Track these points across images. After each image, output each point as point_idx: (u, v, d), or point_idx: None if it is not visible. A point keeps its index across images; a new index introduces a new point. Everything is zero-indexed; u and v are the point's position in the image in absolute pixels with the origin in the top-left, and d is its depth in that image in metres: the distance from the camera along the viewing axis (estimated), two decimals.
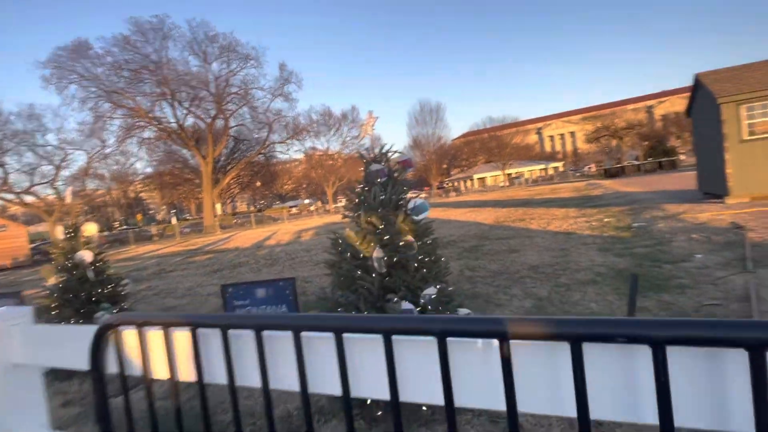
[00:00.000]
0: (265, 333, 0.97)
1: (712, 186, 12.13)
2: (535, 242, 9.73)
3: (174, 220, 46.38)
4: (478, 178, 78.22)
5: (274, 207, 71.45)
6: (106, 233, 37.52)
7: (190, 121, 40.00)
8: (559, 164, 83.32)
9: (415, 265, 3.19)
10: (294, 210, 57.27)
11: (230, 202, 75.55)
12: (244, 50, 38.83)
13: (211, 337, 1.05)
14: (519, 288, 6.05)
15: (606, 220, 11.83)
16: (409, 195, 3.56)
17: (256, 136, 45.94)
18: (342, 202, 59.32)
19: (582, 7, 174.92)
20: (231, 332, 1.01)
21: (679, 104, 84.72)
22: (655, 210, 12.18)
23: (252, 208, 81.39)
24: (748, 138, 10.65)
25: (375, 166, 3.51)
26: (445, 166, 75.78)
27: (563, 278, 6.22)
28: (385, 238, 3.21)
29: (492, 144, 75.76)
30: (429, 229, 3.48)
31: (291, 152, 51.41)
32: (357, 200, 3.56)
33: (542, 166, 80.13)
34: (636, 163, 50.46)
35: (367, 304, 3.18)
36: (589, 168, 74.11)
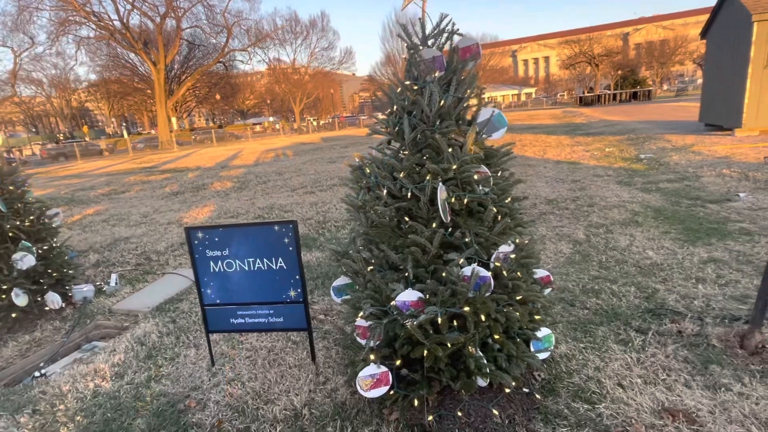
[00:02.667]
0: None
1: (720, 117, 11.39)
2: (539, 172, 8.81)
3: (125, 134, 42.37)
4: None
5: (235, 124, 66.90)
6: (49, 146, 33.68)
7: (135, 19, 34.79)
8: (532, 90, 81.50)
9: (494, 210, 2.09)
10: (257, 128, 53.69)
11: (187, 117, 70.09)
12: None
13: None
14: (545, 227, 5.15)
15: (608, 150, 11.00)
16: (473, 101, 2.35)
17: (214, 41, 41.06)
18: (311, 120, 56.05)
19: None
20: None
21: (655, 33, 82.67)
22: (659, 141, 11.42)
23: (212, 124, 76.19)
24: None
25: (429, 52, 2.23)
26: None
27: (594, 217, 5.35)
28: (452, 168, 2.04)
29: None
30: (507, 155, 2.32)
31: (254, 62, 46.71)
32: (395, 107, 2.31)
33: (515, 92, 78.13)
34: (611, 92, 49.59)
35: (417, 268, 2.10)
36: (561, 95, 72.92)
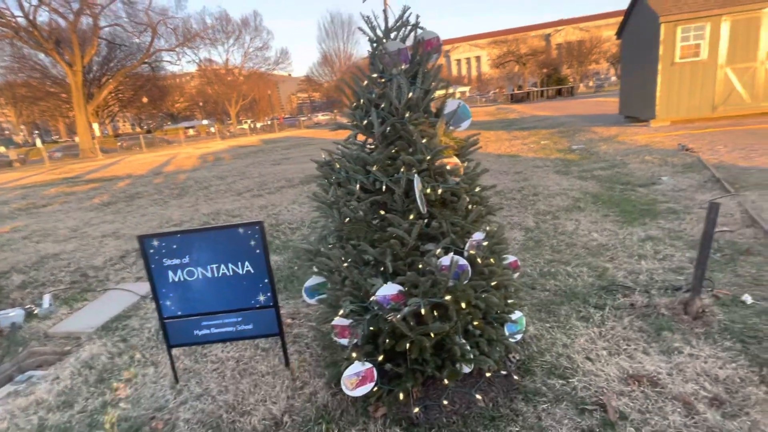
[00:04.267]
0: None
1: (636, 110, 12.49)
2: (482, 166, 9.13)
3: (39, 143, 38.40)
4: None
5: (165, 128, 63.02)
6: None
7: (44, 16, 31.54)
8: (467, 89, 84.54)
9: (467, 199, 2.13)
10: (191, 132, 50.99)
11: (110, 122, 65.04)
12: None
13: None
14: (497, 217, 5.35)
15: (543, 142, 11.67)
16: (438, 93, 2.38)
17: (137, 41, 38.37)
18: (246, 123, 54.08)
19: None
20: None
21: (573, 34, 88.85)
22: (587, 133, 12.30)
23: (138, 130, 71.34)
24: (679, 60, 10.81)
25: (394, 44, 2.22)
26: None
27: (540, 205, 5.65)
28: (426, 159, 2.05)
29: None
30: (474, 145, 2.37)
31: (183, 63, 44.20)
32: (361, 100, 2.29)
33: (451, 90, 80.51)
34: (538, 89, 52.64)
35: (395, 261, 2.09)
36: (495, 93, 76.31)
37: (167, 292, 2.53)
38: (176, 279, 2.52)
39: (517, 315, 2.40)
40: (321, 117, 53.30)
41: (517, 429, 2.00)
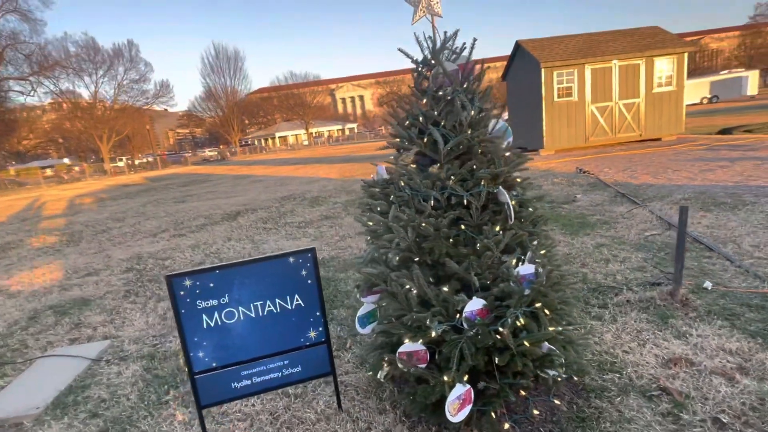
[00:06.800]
0: None
1: (526, 141, 14.29)
2: None
3: None
4: (280, 137, 75.74)
5: (10, 168, 53.16)
6: None
7: None
8: (354, 125, 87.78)
9: (536, 209, 2.24)
10: (48, 172, 43.82)
11: None
12: None
13: None
14: None
15: None
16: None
17: None
18: (122, 160, 48.33)
19: None
20: None
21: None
22: None
23: None
24: (558, 99, 12.76)
25: (451, 65, 2.29)
26: (247, 122, 70.32)
27: None
28: (503, 172, 2.12)
29: (292, 102, 74.00)
30: (527, 160, 2.49)
31: (40, 94, 38.31)
32: (420, 118, 2.29)
33: (340, 126, 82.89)
34: None
35: (478, 275, 2.08)
36: (380, 129, 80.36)
37: (200, 341, 2.13)
38: (212, 324, 2.14)
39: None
40: (209, 153, 50.33)
41: (608, 425, 2.08)
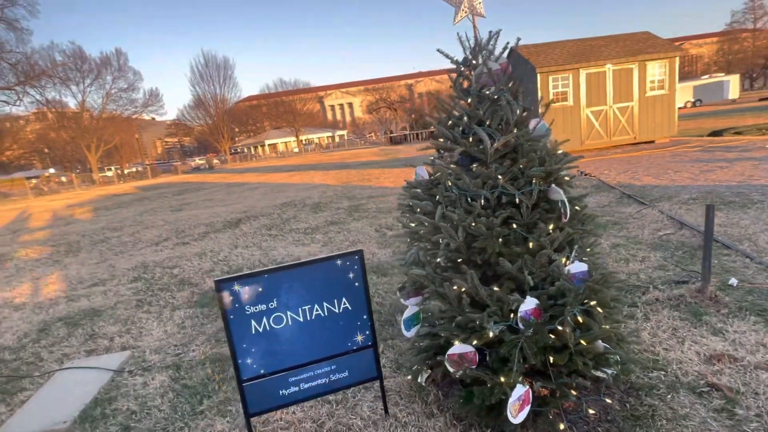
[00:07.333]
0: None
1: None
2: None
3: None
4: (270, 144, 75.43)
5: None
6: None
7: None
8: (344, 132, 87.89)
9: (585, 207, 2.24)
10: (33, 182, 42.96)
11: None
12: None
13: None
14: None
15: None
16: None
17: None
18: (110, 170, 47.59)
19: None
20: None
21: (432, 84, 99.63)
22: None
23: None
24: (553, 104, 12.92)
25: (494, 64, 2.29)
26: (237, 129, 69.91)
27: None
28: (554, 170, 2.11)
29: (281, 110, 73.90)
30: (576, 159, 2.47)
31: (26, 104, 37.60)
32: (464, 118, 2.28)
33: (329, 134, 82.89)
34: (413, 132, 57.20)
35: (530, 274, 2.07)
36: (370, 136, 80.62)
37: (249, 348, 2.08)
38: (260, 329, 2.09)
39: None
40: (198, 161, 49.90)
41: (663, 422, 2.07)
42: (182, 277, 5.60)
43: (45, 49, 39.54)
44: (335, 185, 14.09)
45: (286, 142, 74.89)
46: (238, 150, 68.85)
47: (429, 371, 2.51)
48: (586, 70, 12.73)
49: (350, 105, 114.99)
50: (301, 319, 2.15)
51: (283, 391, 2.16)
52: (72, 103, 42.93)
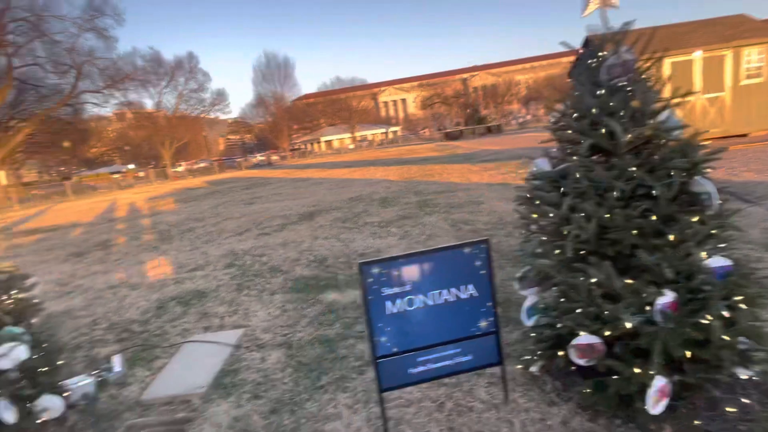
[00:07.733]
0: None
1: None
2: (483, 194, 9.43)
3: None
4: (326, 141, 77.32)
5: (82, 174, 57.68)
6: None
7: None
8: (398, 128, 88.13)
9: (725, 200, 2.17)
10: (116, 176, 47.14)
11: (13, 171, 58.31)
12: None
13: None
14: None
15: (519, 171, 12.36)
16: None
17: (56, 81, 35.34)
18: (182, 167, 51.23)
19: None
20: None
21: (486, 78, 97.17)
22: None
23: (46, 177, 64.74)
24: None
25: (629, 55, 2.27)
26: (296, 127, 72.37)
27: None
28: (696, 162, 2.07)
29: (337, 107, 75.47)
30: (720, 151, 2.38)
31: (111, 105, 41.35)
32: (593, 110, 2.28)
33: (383, 130, 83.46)
34: (470, 128, 56.28)
35: (669, 267, 2.04)
36: (424, 132, 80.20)
37: (384, 327, 2.23)
38: (394, 310, 2.23)
39: None
40: (259, 157, 52.35)
41: None
42: (271, 264, 5.96)
43: (128, 54, 43.07)
44: (398, 181, 14.24)
45: (340, 139, 76.49)
46: (297, 147, 71.18)
47: (542, 361, 2.55)
48: (671, 59, 11.91)
49: (404, 101, 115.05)
50: (431, 303, 2.27)
51: (412, 370, 2.30)
52: (149, 104, 46.64)
